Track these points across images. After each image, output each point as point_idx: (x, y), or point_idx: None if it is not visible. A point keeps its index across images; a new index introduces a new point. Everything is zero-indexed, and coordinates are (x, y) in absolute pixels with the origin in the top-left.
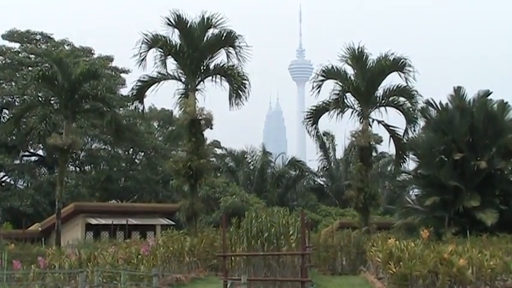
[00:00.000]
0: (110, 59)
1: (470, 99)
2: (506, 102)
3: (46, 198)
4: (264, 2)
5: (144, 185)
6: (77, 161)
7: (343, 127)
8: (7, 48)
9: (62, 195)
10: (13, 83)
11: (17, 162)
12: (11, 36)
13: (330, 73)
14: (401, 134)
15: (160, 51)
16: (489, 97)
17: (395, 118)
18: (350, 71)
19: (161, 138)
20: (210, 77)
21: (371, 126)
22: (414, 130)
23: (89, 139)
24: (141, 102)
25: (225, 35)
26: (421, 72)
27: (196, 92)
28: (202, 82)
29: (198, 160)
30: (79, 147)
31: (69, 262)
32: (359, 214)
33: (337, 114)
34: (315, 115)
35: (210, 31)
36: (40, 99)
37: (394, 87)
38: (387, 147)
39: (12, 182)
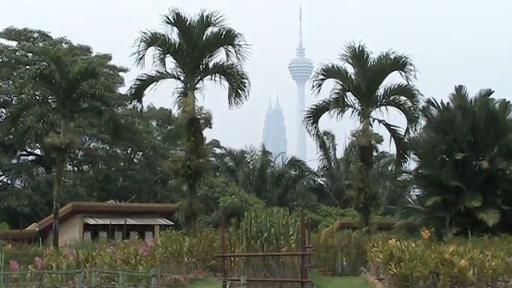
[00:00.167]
0: (108, 57)
1: (472, 98)
2: (508, 102)
3: (43, 198)
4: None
5: (143, 184)
6: (75, 161)
7: (343, 126)
8: (4, 47)
9: (59, 195)
10: (10, 82)
11: (14, 161)
12: (8, 34)
13: (330, 72)
14: (402, 134)
15: (159, 50)
16: (491, 96)
17: (396, 117)
18: (350, 69)
19: (160, 137)
20: (209, 76)
21: (372, 126)
22: (415, 129)
23: (87, 138)
24: (140, 101)
25: (224, 33)
26: (422, 71)
27: (196, 90)
28: (201, 81)
29: (197, 160)
30: (77, 146)
31: (66, 262)
32: (359, 214)
33: (338, 113)
34: (315, 114)
35: (209, 29)
36: (37, 98)
37: (395, 86)
38: (388, 146)
39: (9, 182)
